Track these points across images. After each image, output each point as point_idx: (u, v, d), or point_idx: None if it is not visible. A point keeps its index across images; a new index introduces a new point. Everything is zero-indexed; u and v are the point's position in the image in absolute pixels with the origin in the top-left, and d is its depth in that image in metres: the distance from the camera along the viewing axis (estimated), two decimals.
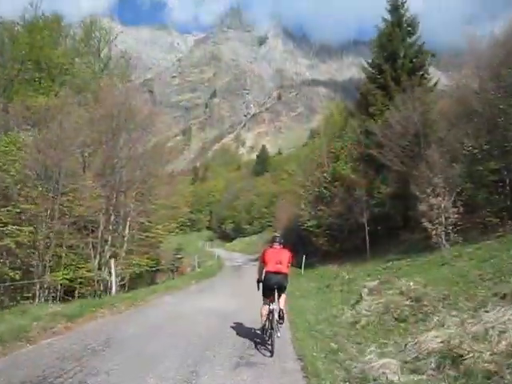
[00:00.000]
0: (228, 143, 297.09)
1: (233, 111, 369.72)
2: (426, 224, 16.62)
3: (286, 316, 7.80)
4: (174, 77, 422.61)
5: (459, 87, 20.45)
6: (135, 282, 29.49)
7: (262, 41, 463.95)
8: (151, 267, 32.56)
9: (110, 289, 22.30)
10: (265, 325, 7.70)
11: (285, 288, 7.68)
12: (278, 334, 7.59)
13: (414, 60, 27.78)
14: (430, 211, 16.69)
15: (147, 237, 24.68)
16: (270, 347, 7.15)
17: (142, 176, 24.34)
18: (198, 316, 10.03)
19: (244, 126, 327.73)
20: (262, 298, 7.80)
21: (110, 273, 21.35)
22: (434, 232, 16.45)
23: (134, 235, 24.36)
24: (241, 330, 8.88)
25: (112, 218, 22.58)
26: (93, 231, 21.54)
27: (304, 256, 25.07)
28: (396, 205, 23.94)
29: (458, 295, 8.54)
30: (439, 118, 22.14)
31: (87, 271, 20.79)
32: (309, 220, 28.19)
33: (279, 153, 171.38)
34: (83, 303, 10.54)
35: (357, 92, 31.06)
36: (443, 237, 16.46)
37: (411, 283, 9.71)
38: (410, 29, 28.83)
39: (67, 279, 19.31)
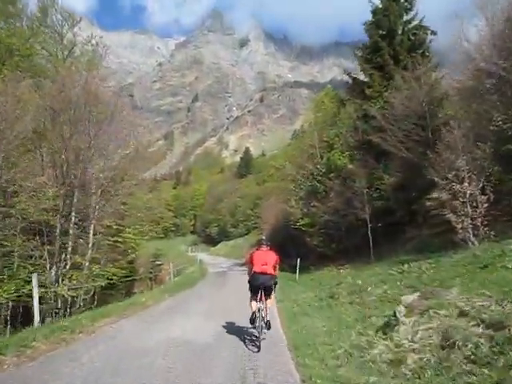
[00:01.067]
0: (211, 147, 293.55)
1: (215, 114, 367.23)
2: (450, 216, 13.61)
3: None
4: (154, 81, 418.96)
5: (475, 58, 17.49)
6: (106, 294, 26.06)
7: (243, 43, 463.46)
8: (124, 277, 29.27)
9: (71, 306, 19.00)
10: (253, 315, 8.03)
11: (271, 288, 8.12)
12: (265, 331, 8.00)
13: (413, 37, 24.93)
14: (454, 200, 13.68)
15: (116, 242, 21.27)
16: (257, 343, 7.57)
17: (110, 172, 21.00)
18: (157, 359, 6.64)
19: (227, 129, 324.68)
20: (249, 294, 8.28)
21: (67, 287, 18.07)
22: (459, 225, 13.45)
23: (100, 241, 20.97)
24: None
25: (73, 220, 19.12)
26: (48, 236, 18.12)
27: (299, 260, 21.78)
28: (400, 197, 20.98)
29: None
30: (452, 94, 19.20)
31: (41, 285, 17.40)
32: (301, 218, 24.96)
33: (263, 154, 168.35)
34: None
35: (348, 76, 27.97)
36: (470, 231, 13.47)
37: (475, 299, 6.56)
38: (406, 4, 25.96)
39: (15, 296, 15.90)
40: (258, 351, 7.24)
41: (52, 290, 16.41)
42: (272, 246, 8.76)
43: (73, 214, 19.11)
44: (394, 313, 7.29)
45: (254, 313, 8.04)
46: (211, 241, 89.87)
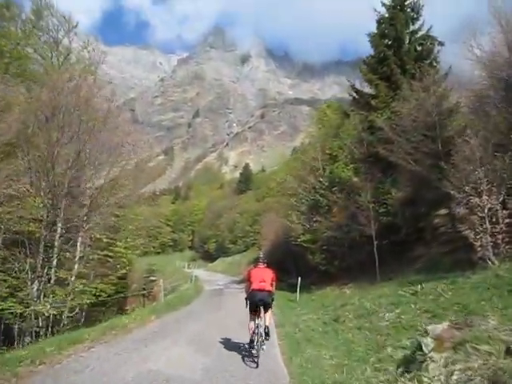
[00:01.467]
0: (211, 162, 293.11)
1: (216, 130, 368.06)
2: (467, 232, 12.39)
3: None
4: (156, 96, 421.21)
5: (489, 60, 16.49)
6: (97, 311, 24.66)
7: (244, 60, 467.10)
8: (114, 294, 27.96)
9: (53, 325, 17.64)
10: (252, 339, 8.07)
11: (269, 305, 8.32)
12: (264, 347, 8.18)
13: (419, 47, 24.00)
14: (471, 215, 12.49)
15: (106, 256, 19.99)
16: (256, 359, 7.66)
17: (100, 181, 19.85)
18: None
19: (227, 145, 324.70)
20: (248, 314, 8.40)
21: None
22: (478, 243, 12.22)
23: (88, 255, 19.71)
24: None
25: (58, 232, 17.87)
26: (31, 248, 16.86)
27: (299, 278, 20.35)
28: (408, 213, 19.79)
29: None
30: (464, 104, 18.14)
31: (21, 302, 16.10)
32: (302, 234, 23.58)
33: (262, 170, 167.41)
34: None
35: (352, 88, 26.93)
36: (490, 249, 12.24)
37: None
38: (413, 14, 25.08)
39: None
40: (257, 367, 7.40)
41: (31, 308, 15.10)
42: (270, 263, 9.02)
43: (59, 225, 17.89)
44: (419, 345, 6.03)
45: (252, 334, 8.15)
46: (209, 257, 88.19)
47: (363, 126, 22.59)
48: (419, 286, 12.85)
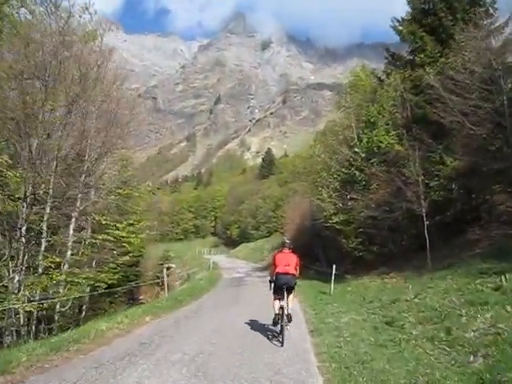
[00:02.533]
0: (233, 148, 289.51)
1: (237, 116, 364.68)
2: None
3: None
4: (177, 83, 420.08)
5: None
6: (101, 302, 22.04)
7: (265, 45, 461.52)
8: (126, 282, 25.27)
9: (40, 322, 14.92)
10: (276, 318, 8.38)
11: (293, 288, 8.56)
12: (288, 327, 8.35)
13: None
14: None
15: (105, 241, 17.10)
16: (280, 339, 7.90)
17: (96, 150, 16.92)
18: None
19: (249, 131, 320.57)
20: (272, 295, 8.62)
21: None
22: None
23: (85, 239, 16.91)
24: None
25: (47, 211, 15.07)
26: (14, 232, 14.12)
27: (334, 266, 16.89)
28: (465, 187, 16.40)
29: None
30: None
31: None
32: (335, 214, 20.23)
33: (285, 155, 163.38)
34: None
35: (386, 52, 23.33)
36: None
37: None
38: None
39: None
40: (282, 346, 7.64)
41: (6, 303, 12.32)
42: (295, 249, 9.17)
43: (48, 203, 15.08)
44: None
45: (276, 314, 8.41)
46: (232, 243, 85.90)
47: (405, 86, 19.09)
48: (502, 279, 9.51)
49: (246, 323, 9.83)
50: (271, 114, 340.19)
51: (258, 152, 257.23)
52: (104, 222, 16.91)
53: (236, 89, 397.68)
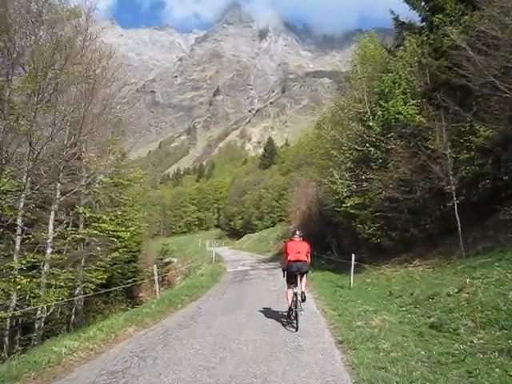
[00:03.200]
0: (233, 140, 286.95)
1: (237, 107, 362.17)
2: None
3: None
4: (175, 77, 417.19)
5: None
6: (93, 303, 20.11)
7: (262, 35, 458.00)
8: (123, 279, 23.51)
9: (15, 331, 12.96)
10: (290, 307, 8.70)
11: (305, 272, 8.81)
12: (302, 313, 8.56)
13: None
14: None
15: (89, 236, 15.08)
16: (295, 324, 8.21)
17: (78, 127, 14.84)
18: None
19: (249, 121, 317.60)
20: (286, 283, 8.82)
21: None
22: None
23: (68, 234, 14.89)
24: None
25: (22, 204, 13.10)
26: None
27: (353, 256, 14.65)
28: (497, 161, 14.30)
29: None
30: None
31: None
32: (348, 197, 18.05)
33: (286, 144, 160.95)
34: None
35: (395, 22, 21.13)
36: None
37: None
38: None
39: None
40: (296, 330, 7.97)
41: None
42: (304, 237, 9.23)
43: (22, 195, 13.11)
44: None
45: (290, 308, 8.76)
46: (236, 234, 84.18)
47: (423, 51, 16.91)
48: None
49: (254, 334, 7.80)
50: (271, 103, 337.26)
51: (259, 142, 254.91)
52: (88, 215, 14.92)
53: (234, 80, 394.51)
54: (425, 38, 16.95)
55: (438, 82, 15.60)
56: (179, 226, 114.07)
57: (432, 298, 9.30)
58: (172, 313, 10.55)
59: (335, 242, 23.08)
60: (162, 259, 28.81)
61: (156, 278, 12.56)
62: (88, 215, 14.76)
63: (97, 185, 15.22)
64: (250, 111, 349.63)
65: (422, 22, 19.86)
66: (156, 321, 9.49)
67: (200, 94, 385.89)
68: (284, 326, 8.42)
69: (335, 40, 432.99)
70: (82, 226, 15.83)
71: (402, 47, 19.96)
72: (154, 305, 10.87)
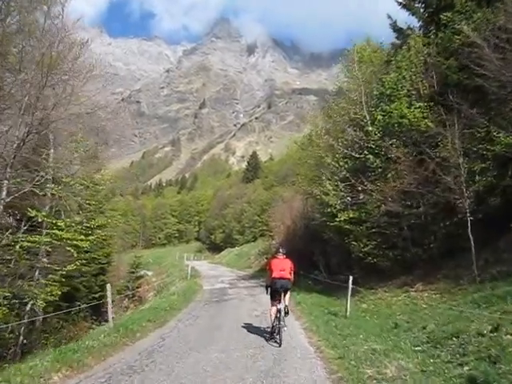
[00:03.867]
0: (218, 153, 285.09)
1: (222, 121, 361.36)
2: None
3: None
4: (162, 88, 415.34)
5: None
6: (48, 320, 17.65)
7: (250, 50, 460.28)
8: (87, 295, 21.24)
9: None
10: (273, 324, 8.66)
11: (288, 289, 9.06)
12: (285, 328, 8.71)
13: None
14: None
15: (39, 244, 12.81)
16: (278, 340, 8.27)
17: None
18: None
19: (234, 135, 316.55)
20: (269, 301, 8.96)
21: None
22: None
23: (17, 240, 12.58)
24: None
25: None
26: None
27: (350, 278, 12.41)
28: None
29: None
30: None
31: None
32: (342, 211, 16.03)
33: (271, 159, 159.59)
34: None
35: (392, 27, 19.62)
36: None
37: None
38: None
39: None
40: (280, 346, 8.00)
41: None
42: (288, 253, 9.39)
43: None
44: None
45: (273, 325, 8.73)
46: (216, 248, 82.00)
47: (429, 50, 15.26)
48: None
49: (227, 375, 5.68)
50: (256, 118, 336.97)
51: (243, 157, 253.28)
52: (41, 220, 12.67)
53: (221, 93, 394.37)
54: (432, 37, 15.32)
55: (448, 84, 13.89)
56: (159, 238, 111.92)
57: (456, 337, 7.33)
58: (126, 346, 8.12)
59: (323, 260, 21.04)
60: (133, 272, 26.42)
61: (109, 299, 9.92)
62: (41, 220, 12.50)
63: (58, 186, 12.97)
64: (235, 125, 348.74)
65: (419, 29, 18.52)
66: (101, 359, 7.00)
67: (186, 106, 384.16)
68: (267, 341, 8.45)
69: (322, 58, 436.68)
70: (44, 232, 13.65)
71: (410, 39, 18.33)
72: (103, 334, 8.48)
